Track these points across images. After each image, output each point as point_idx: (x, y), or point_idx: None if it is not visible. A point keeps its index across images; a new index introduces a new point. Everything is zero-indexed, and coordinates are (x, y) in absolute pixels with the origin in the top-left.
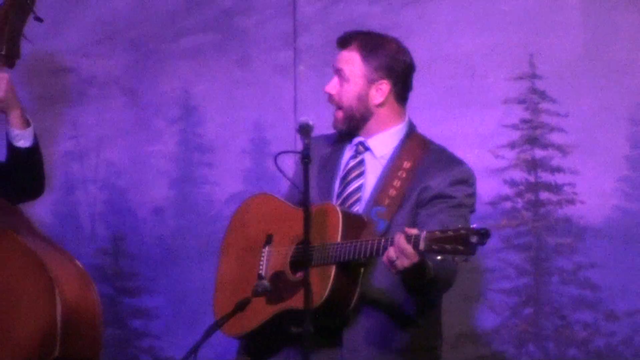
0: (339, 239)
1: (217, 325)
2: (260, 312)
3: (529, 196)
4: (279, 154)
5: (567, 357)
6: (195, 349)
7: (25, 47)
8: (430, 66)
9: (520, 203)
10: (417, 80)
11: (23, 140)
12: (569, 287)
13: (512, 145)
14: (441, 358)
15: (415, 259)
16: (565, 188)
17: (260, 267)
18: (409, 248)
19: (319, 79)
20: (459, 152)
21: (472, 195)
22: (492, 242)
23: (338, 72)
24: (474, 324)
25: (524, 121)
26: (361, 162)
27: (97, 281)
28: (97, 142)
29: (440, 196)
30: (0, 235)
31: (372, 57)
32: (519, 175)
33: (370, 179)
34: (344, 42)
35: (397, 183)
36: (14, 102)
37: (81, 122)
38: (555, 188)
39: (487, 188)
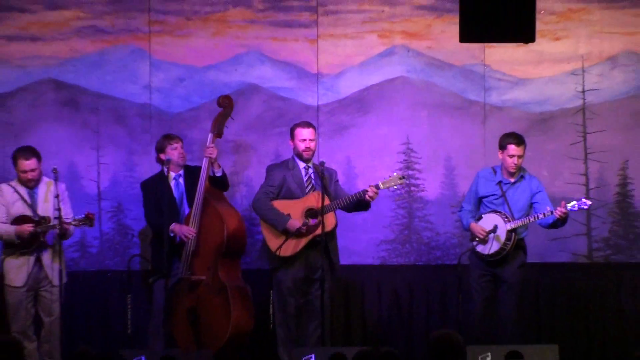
0: (328, 202)
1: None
2: (299, 242)
3: None
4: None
5: None
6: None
7: None
8: None
9: None
10: None
11: (218, 173)
12: None
13: None
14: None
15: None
16: None
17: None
18: (377, 190)
19: None
20: None
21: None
22: None
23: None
24: None
25: None
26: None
27: None
28: None
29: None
30: (219, 200)
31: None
32: None
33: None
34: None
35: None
36: (216, 158)
37: None
38: None
39: None
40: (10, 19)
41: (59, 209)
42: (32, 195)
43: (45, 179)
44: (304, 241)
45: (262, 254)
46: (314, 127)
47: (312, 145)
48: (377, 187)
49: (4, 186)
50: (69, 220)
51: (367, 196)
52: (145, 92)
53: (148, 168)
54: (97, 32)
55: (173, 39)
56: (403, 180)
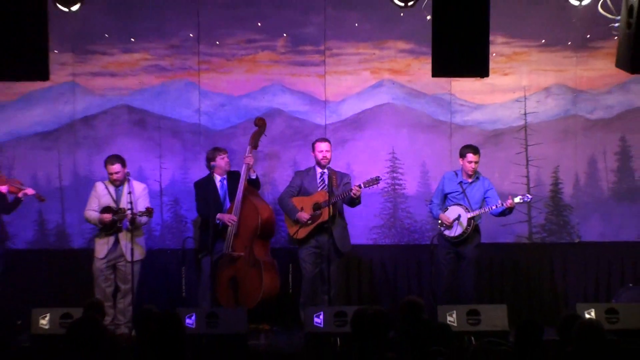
0: (330, 198)
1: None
2: (308, 228)
3: None
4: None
5: None
6: None
7: None
8: None
9: None
10: None
11: (253, 176)
12: None
13: None
14: None
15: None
16: None
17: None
18: (360, 189)
19: None
20: None
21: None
22: None
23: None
24: None
25: None
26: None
27: None
28: None
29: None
30: (254, 196)
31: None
32: None
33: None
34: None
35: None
36: (252, 165)
37: None
38: None
39: None
40: (94, 60)
41: (130, 202)
42: (117, 192)
43: (131, 180)
44: (311, 227)
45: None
46: (329, 142)
47: (327, 155)
48: (359, 186)
49: (99, 183)
50: (136, 212)
51: (352, 193)
52: (195, 114)
53: (197, 171)
54: (160, 69)
55: (216, 75)
56: (378, 180)
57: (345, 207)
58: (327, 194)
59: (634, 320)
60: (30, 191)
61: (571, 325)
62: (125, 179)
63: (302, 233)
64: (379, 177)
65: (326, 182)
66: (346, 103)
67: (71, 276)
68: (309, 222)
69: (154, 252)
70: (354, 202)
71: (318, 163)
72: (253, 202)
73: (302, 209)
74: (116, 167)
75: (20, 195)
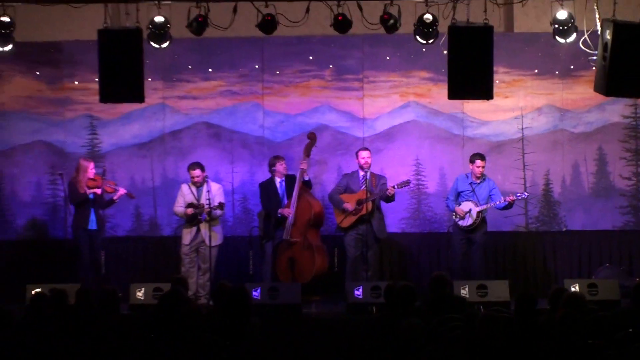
0: (368, 196)
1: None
2: (352, 219)
3: None
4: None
5: None
6: None
7: None
8: None
9: None
10: None
11: (306, 178)
12: None
13: None
14: None
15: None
16: None
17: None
18: (394, 189)
19: None
20: None
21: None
22: None
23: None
24: None
25: None
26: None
27: None
28: None
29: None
30: (308, 194)
31: None
32: None
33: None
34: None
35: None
36: (306, 170)
37: None
38: None
39: None
40: (180, 86)
41: (208, 199)
42: (198, 191)
43: (209, 181)
44: (354, 218)
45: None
46: (369, 150)
47: (368, 160)
48: (393, 187)
49: (183, 185)
50: (212, 207)
51: (387, 192)
52: (260, 129)
53: (262, 175)
54: (232, 93)
55: (277, 98)
56: (409, 183)
57: (382, 203)
58: (367, 192)
59: (610, 292)
60: (122, 191)
61: (560, 296)
62: (204, 180)
63: (346, 223)
64: (409, 180)
65: (367, 183)
66: (380, 120)
67: (161, 258)
68: (352, 212)
69: (227, 239)
70: (389, 199)
71: (360, 167)
72: (307, 198)
73: (348, 203)
74: (197, 172)
75: (115, 198)
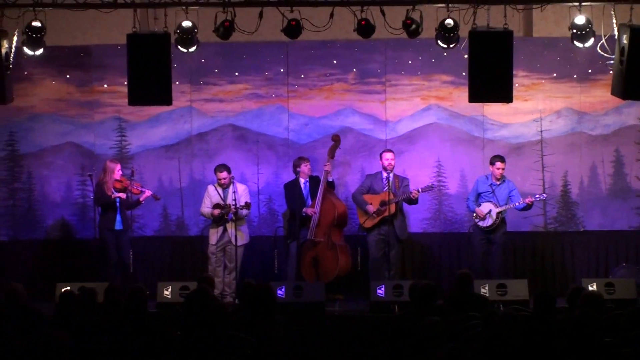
0: (392, 198)
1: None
2: (375, 220)
3: None
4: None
5: None
6: None
7: None
8: None
9: None
10: None
11: (330, 179)
12: None
13: None
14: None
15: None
16: None
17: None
18: (419, 193)
19: None
20: None
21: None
22: None
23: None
24: None
25: None
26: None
27: None
28: None
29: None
30: (332, 194)
31: None
32: None
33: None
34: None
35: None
36: (330, 171)
37: None
38: None
39: None
40: (207, 89)
41: (234, 200)
42: (224, 192)
43: (235, 182)
44: (377, 219)
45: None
46: (393, 152)
47: (392, 162)
48: (418, 191)
49: (210, 186)
50: (238, 206)
51: (411, 196)
52: (285, 131)
53: (287, 176)
54: (257, 96)
55: (301, 100)
56: (432, 188)
57: (404, 204)
58: (391, 194)
59: (627, 291)
60: (148, 193)
61: (577, 295)
62: (230, 181)
63: (369, 223)
64: (433, 185)
65: (390, 184)
66: (402, 123)
67: (188, 257)
68: (375, 213)
69: (253, 238)
70: (412, 202)
71: (384, 168)
72: (331, 199)
73: (371, 204)
74: (223, 174)
75: (141, 199)
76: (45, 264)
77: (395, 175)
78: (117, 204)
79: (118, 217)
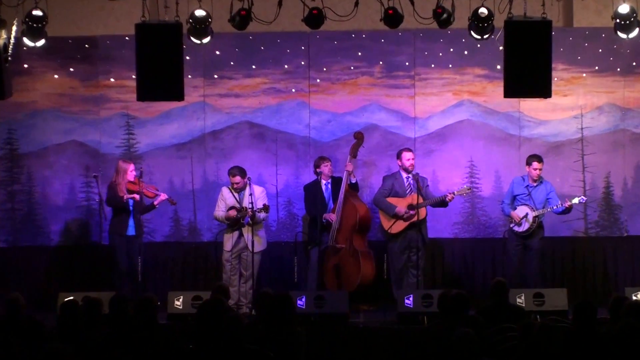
0: (421, 201)
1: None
2: (402, 225)
3: None
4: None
5: None
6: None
7: None
8: None
9: None
10: None
11: (353, 181)
12: None
13: None
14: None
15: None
16: None
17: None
18: (454, 196)
19: None
20: None
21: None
22: None
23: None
24: None
25: None
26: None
27: None
28: None
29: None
30: (354, 197)
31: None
32: None
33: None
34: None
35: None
36: (353, 171)
37: None
38: None
39: None
40: (222, 83)
41: (251, 203)
42: (240, 194)
43: (252, 184)
44: (405, 224)
45: (379, 231)
46: (412, 151)
47: (413, 162)
48: (453, 193)
49: (224, 188)
50: (255, 209)
51: (447, 199)
52: (306, 129)
53: (307, 177)
54: (276, 91)
55: (324, 96)
56: (470, 191)
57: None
58: (419, 197)
59: None
60: (163, 196)
61: (620, 305)
62: (245, 185)
63: (396, 229)
64: (471, 187)
65: (412, 185)
66: (432, 119)
67: (201, 265)
68: (404, 217)
69: (271, 244)
70: (442, 204)
71: (405, 169)
72: (353, 202)
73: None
74: (237, 178)
75: (156, 203)
76: (47, 272)
77: (413, 175)
78: (131, 207)
79: (131, 222)
